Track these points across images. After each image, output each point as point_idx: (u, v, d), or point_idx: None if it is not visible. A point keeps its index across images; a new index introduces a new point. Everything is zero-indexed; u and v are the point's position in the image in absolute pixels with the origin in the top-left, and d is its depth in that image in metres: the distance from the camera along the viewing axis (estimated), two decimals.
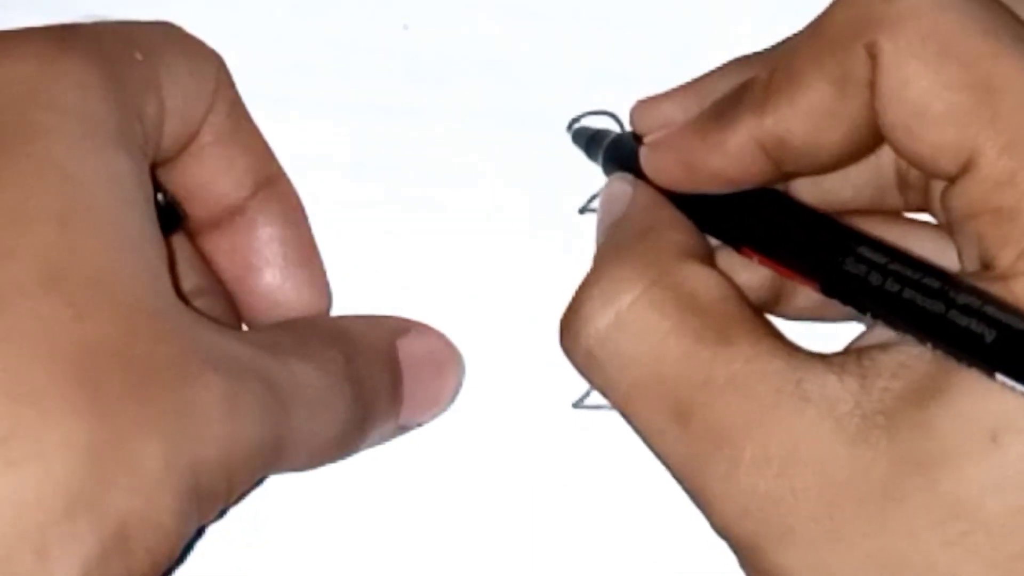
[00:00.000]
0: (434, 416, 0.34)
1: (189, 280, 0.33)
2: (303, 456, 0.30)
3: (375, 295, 0.35)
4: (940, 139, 0.26)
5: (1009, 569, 0.24)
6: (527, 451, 0.34)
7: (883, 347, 0.26)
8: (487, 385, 0.34)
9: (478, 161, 0.36)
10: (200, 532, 0.27)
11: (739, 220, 0.30)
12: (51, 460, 0.24)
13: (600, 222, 0.32)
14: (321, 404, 0.29)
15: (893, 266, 0.26)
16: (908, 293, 0.25)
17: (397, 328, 0.33)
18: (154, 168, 0.30)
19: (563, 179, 0.35)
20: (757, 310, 0.28)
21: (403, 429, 0.33)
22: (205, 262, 0.33)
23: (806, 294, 0.31)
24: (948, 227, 0.27)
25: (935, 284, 0.25)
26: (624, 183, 0.31)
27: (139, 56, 0.29)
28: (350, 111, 0.36)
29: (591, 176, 0.35)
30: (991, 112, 0.25)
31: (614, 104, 0.35)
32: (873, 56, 0.26)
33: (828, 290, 0.27)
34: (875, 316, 0.26)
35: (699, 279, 0.28)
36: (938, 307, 0.25)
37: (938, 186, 0.29)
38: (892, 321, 0.26)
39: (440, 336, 0.34)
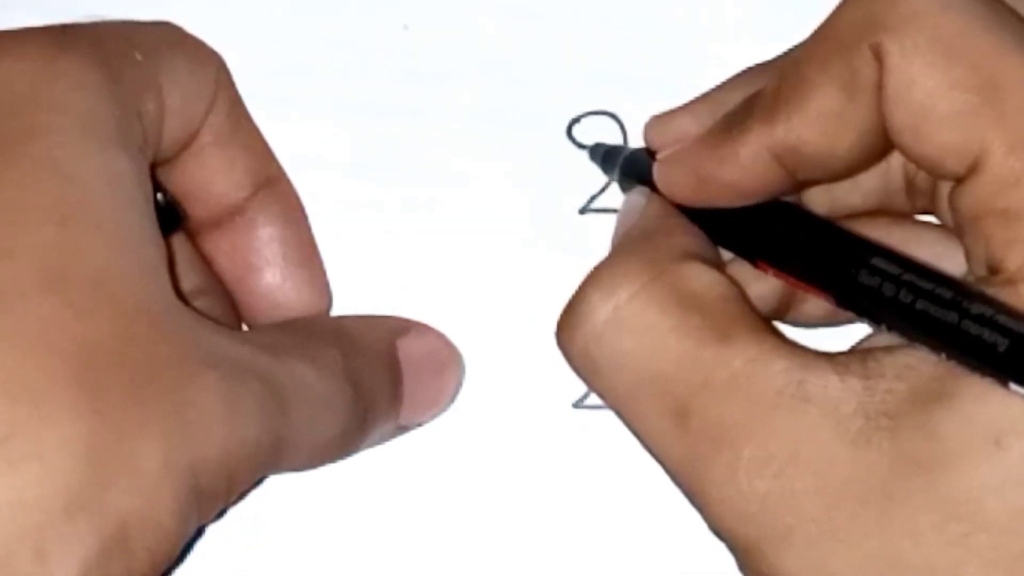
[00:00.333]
0: (434, 416, 0.34)
1: (189, 280, 0.33)
2: (303, 456, 0.30)
3: (375, 295, 0.35)
4: (947, 140, 0.25)
5: (1010, 570, 0.24)
6: (527, 451, 0.34)
7: (888, 349, 0.26)
8: (487, 385, 0.34)
9: (478, 161, 0.36)
10: (200, 532, 0.27)
11: (753, 234, 0.30)
12: (50, 460, 0.24)
13: (614, 234, 0.32)
14: (321, 404, 0.29)
15: (906, 276, 0.26)
16: (921, 304, 0.25)
17: (397, 328, 0.33)
18: (154, 168, 0.30)
19: (563, 179, 0.35)
20: (758, 311, 0.28)
21: (403, 429, 0.33)
22: (205, 262, 0.33)
23: (817, 302, 0.31)
24: (956, 229, 0.27)
25: (948, 294, 0.25)
26: (639, 196, 0.31)
27: (139, 56, 0.29)
28: (350, 111, 0.36)
29: (591, 176, 0.35)
30: (997, 112, 0.25)
31: (614, 104, 0.36)
32: (879, 58, 0.26)
33: (843, 302, 0.27)
34: (889, 327, 0.26)
35: (700, 278, 0.28)
36: (951, 317, 0.25)
37: (945, 189, 0.29)
38: (906, 331, 0.26)
39: (440, 336, 0.34)
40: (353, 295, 0.35)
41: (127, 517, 0.24)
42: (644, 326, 0.27)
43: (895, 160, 0.30)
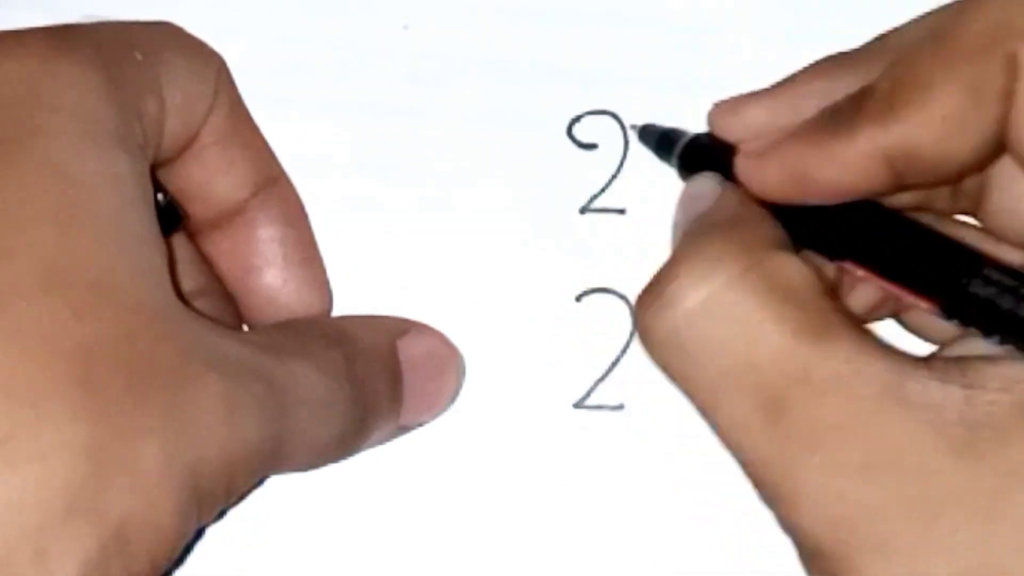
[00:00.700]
0: (434, 416, 0.34)
1: (189, 280, 0.33)
2: (303, 457, 0.30)
3: (375, 295, 0.35)
4: None
5: None
6: (528, 451, 0.34)
7: (989, 359, 0.25)
8: (487, 385, 0.34)
9: (478, 161, 0.36)
10: (200, 532, 0.27)
11: (846, 234, 0.29)
12: (50, 461, 0.24)
13: (680, 217, 0.31)
14: (321, 405, 0.29)
15: (1023, 290, 0.25)
16: None
17: (397, 328, 0.33)
18: (154, 168, 0.30)
19: (563, 179, 0.35)
20: (850, 309, 0.27)
21: (404, 429, 0.33)
22: (205, 262, 0.33)
23: (861, 295, 0.30)
24: None
25: None
26: (711, 182, 0.30)
27: (139, 56, 0.29)
28: (350, 111, 0.36)
29: (591, 176, 0.35)
30: None
31: (614, 104, 0.35)
32: (1013, 66, 0.25)
33: (952, 312, 0.27)
34: (1002, 340, 0.26)
35: (795, 270, 0.27)
36: None
37: (995, 195, 0.29)
38: (1020, 344, 0.25)
39: (440, 336, 0.34)
40: (353, 295, 0.35)
41: (127, 518, 0.24)
42: (740, 315, 0.26)
43: None
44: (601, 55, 0.36)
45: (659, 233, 0.31)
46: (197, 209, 0.33)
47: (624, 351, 0.34)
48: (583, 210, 0.35)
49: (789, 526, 0.26)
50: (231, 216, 0.33)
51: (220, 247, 0.33)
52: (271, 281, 0.33)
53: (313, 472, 0.31)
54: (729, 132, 0.31)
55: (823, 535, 0.25)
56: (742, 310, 0.26)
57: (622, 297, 0.35)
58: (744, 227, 0.28)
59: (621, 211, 0.35)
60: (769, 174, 0.29)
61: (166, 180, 0.32)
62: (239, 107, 0.33)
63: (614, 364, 0.34)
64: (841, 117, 0.28)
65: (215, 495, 0.26)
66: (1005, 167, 0.29)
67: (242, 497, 0.28)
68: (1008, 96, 0.25)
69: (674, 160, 0.33)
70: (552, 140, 0.36)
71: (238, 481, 0.27)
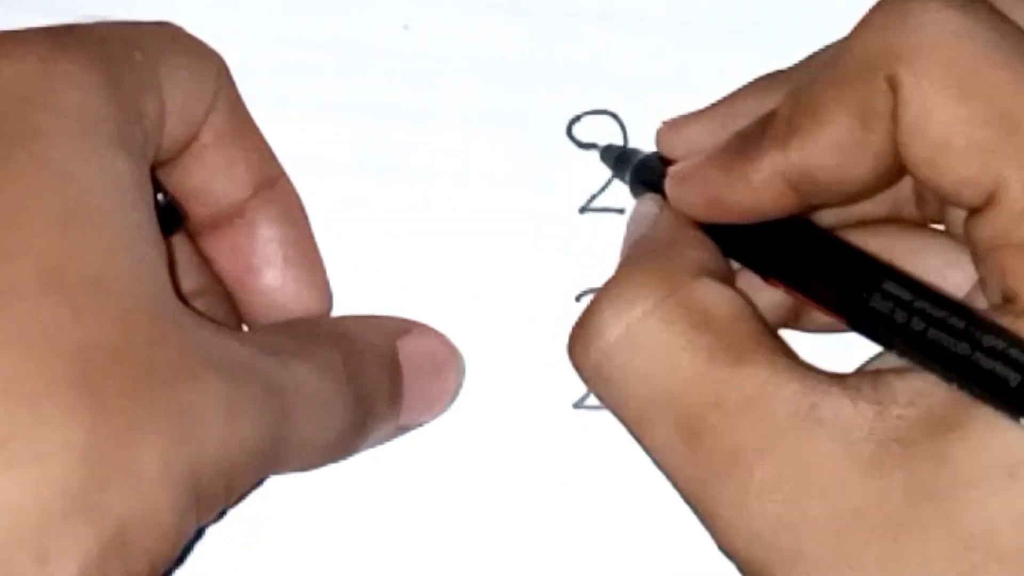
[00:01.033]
0: (434, 417, 0.34)
1: (189, 280, 0.33)
2: (303, 457, 0.30)
3: (375, 295, 0.35)
4: (963, 173, 0.25)
5: None
6: (527, 451, 0.34)
7: (899, 372, 0.26)
8: (487, 385, 0.34)
9: (478, 161, 0.36)
10: (200, 533, 0.27)
11: (766, 250, 0.30)
12: (49, 462, 0.24)
13: (624, 241, 0.32)
14: (321, 405, 0.29)
15: (919, 304, 0.26)
16: (933, 333, 0.25)
17: (397, 328, 0.33)
18: (154, 168, 0.30)
19: (563, 179, 0.35)
20: (772, 329, 0.28)
21: (403, 430, 0.33)
22: (205, 263, 0.33)
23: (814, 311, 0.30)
24: (972, 257, 0.27)
25: (960, 324, 0.25)
26: (652, 204, 0.31)
27: (139, 56, 0.29)
28: (350, 111, 0.36)
29: (591, 176, 0.35)
30: (1014, 146, 0.25)
31: (614, 104, 0.35)
32: (895, 88, 0.25)
33: (854, 326, 0.27)
34: (900, 353, 0.26)
35: (714, 296, 0.28)
36: (963, 348, 0.24)
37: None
38: (917, 359, 0.26)
39: (440, 336, 0.34)
40: (353, 295, 0.35)
41: (126, 519, 0.24)
42: (656, 345, 0.27)
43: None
44: (601, 55, 0.36)
45: None
46: (197, 209, 0.33)
47: None
48: (583, 210, 0.35)
49: (720, 547, 0.27)
50: (231, 216, 0.33)
51: (220, 247, 0.33)
52: (271, 281, 0.33)
53: (313, 472, 0.31)
54: (672, 151, 0.32)
55: (745, 552, 0.26)
56: (659, 339, 0.27)
57: None
58: (667, 253, 0.29)
59: (621, 211, 0.35)
60: (691, 196, 0.30)
61: (166, 180, 0.32)
62: (239, 107, 0.33)
63: None
64: (747, 141, 0.28)
65: (215, 495, 0.26)
66: None
67: (242, 497, 0.28)
68: (894, 118, 0.26)
69: (627, 179, 0.34)
70: (552, 140, 0.36)
71: (238, 481, 0.27)
